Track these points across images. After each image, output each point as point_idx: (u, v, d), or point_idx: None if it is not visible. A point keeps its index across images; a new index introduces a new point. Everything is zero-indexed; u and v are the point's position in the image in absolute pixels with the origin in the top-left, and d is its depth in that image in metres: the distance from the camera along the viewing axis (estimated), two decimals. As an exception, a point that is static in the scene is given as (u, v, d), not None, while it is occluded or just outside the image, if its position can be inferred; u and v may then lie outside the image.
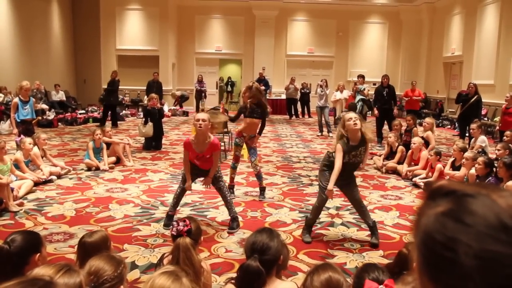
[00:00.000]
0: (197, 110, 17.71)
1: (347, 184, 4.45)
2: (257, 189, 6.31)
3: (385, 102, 10.82)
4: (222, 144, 8.67)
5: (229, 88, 25.30)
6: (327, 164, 4.39)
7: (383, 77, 11.09)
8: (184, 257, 2.46)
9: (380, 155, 8.53)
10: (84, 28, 18.14)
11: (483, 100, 10.69)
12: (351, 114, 4.31)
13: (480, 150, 7.23)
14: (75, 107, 16.10)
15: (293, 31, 20.19)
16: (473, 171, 5.87)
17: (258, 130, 6.05)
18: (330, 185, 4.21)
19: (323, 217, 5.24)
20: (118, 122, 15.00)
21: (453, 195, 0.68)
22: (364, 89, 11.41)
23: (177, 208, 5.08)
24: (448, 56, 17.60)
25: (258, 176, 6.04)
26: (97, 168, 7.45)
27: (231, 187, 6.12)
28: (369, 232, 4.52)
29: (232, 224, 4.79)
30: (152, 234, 4.57)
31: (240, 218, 5.10)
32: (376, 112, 10.98)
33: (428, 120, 8.08)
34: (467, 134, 10.12)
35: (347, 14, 19.61)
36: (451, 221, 0.65)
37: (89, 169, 7.47)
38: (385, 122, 10.97)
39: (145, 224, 4.86)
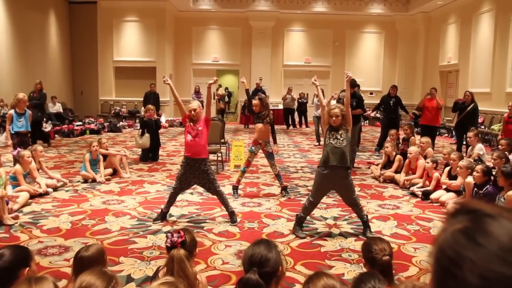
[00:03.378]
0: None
1: (339, 183, 4.73)
2: (255, 200, 6.40)
3: (391, 111, 10.81)
4: (219, 155, 8.66)
5: (226, 99, 25.33)
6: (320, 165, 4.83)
7: (392, 87, 11.08)
8: (178, 269, 2.43)
9: (377, 165, 8.52)
10: (82, 40, 18.20)
11: (479, 108, 10.71)
12: (336, 111, 4.65)
13: (476, 158, 7.23)
14: (72, 119, 16.09)
15: (289, 41, 20.29)
16: (469, 179, 5.86)
17: (271, 138, 6.71)
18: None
19: (320, 227, 5.22)
20: (115, 133, 15.03)
21: (474, 214, 0.69)
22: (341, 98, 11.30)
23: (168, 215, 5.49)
24: (444, 65, 17.69)
25: (278, 176, 6.72)
26: (94, 180, 7.42)
27: (236, 187, 6.75)
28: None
29: (233, 218, 5.32)
30: (148, 246, 4.53)
31: (237, 230, 5.09)
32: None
33: (424, 140, 8.08)
34: (464, 142, 10.13)
35: (343, 24, 19.74)
36: (464, 238, 0.66)
37: (85, 181, 7.44)
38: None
39: (141, 237, 4.83)
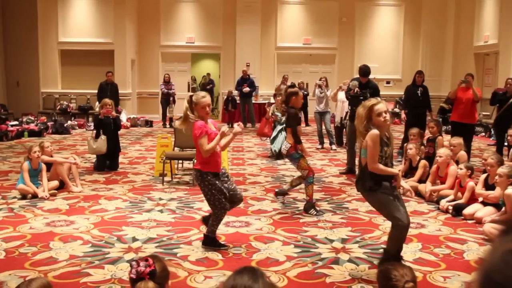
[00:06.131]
0: (164, 118, 17.77)
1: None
2: (242, 218, 6.47)
3: (419, 104, 10.82)
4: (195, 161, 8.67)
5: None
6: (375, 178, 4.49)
7: (417, 74, 11.13)
8: (146, 307, 2.45)
9: (397, 172, 8.59)
10: (17, 15, 18.05)
11: (525, 100, 10.84)
12: (381, 106, 4.45)
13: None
14: (5, 118, 15.96)
15: (284, 17, 20.36)
16: (510, 190, 5.93)
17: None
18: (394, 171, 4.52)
19: (325, 252, 5.26)
20: (62, 135, 14.97)
21: None
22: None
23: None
24: (480, 46, 17.88)
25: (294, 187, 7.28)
26: (34, 196, 7.39)
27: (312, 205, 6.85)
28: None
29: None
30: (107, 279, 4.54)
31: (219, 256, 5.11)
32: (403, 116, 11.33)
33: (456, 141, 8.15)
34: (506, 143, 10.25)
35: (352, -5, 19.89)
36: None
37: (23, 197, 7.41)
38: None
39: (97, 267, 4.83)
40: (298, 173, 7.19)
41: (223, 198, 5.21)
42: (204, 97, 5.24)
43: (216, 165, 5.23)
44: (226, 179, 5.35)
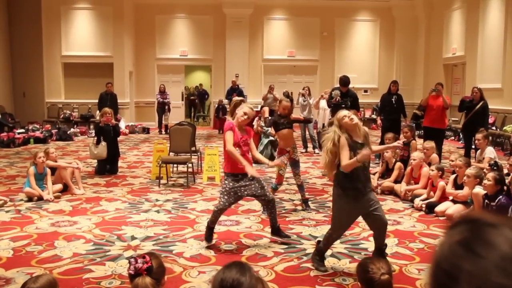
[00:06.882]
0: (160, 125, 17.74)
1: (371, 205, 4.51)
2: (232, 217, 6.41)
3: (394, 111, 10.91)
4: (190, 165, 8.65)
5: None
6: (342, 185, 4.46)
7: (392, 83, 11.23)
8: (144, 301, 2.44)
9: (374, 174, 8.62)
10: (23, 31, 17.97)
11: (490, 107, 10.94)
12: (343, 112, 4.46)
13: (492, 163, 7.35)
14: (13, 126, 15.85)
15: (270, 32, 20.41)
16: (477, 189, 5.98)
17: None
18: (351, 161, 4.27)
19: (309, 248, 5.26)
20: (66, 142, 14.90)
21: (474, 224, 0.72)
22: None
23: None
24: (449, 57, 18.03)
25: (301, 186, 7.00)
26: (40, 198, 7.33)
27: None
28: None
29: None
30: (107, 275, 4.51)
31: (212, 253, 5.09)
32: (379, 121, 11.27)
33: (429, 145, 8.21)
34: (473, 146, 10.33)
35: (332, 11, 19.97)
36: (462, 249, 0.69)
37: (30, 199, 7.35)
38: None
39: (98, 264, 4.79)
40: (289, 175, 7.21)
41: (224, 199, 5.19)
42: (245, 111, 5.18)
43: (236, 166, 5.10)
44: (249, 182, 5.14)
